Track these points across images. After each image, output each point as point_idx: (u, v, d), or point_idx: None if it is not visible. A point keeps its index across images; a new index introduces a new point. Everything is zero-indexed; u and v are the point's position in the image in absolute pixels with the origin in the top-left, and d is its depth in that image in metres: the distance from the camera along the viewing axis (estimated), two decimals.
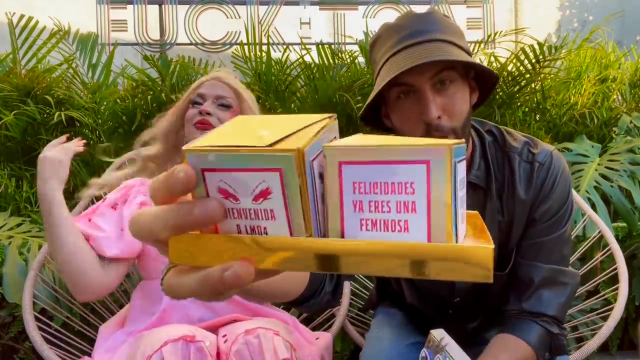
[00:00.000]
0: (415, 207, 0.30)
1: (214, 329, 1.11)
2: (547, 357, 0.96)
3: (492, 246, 0.29)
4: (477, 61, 2.46)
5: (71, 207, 1.89)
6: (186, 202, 0.31)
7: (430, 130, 0.88)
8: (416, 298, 1.16)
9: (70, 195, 2.12)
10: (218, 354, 1.04)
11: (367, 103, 0.94)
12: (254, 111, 1.33)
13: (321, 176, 0.31)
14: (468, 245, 0.29)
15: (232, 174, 0.30)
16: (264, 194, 0.30)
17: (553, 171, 0.97)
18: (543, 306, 0.98)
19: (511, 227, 1.00)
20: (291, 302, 0.67)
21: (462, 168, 0.31)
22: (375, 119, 1.01)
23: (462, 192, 0.31)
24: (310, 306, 0.72)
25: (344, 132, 2.27)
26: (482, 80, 0.96)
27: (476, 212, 0.36)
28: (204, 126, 1.25)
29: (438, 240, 0.29)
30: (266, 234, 0.31)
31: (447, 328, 1.14)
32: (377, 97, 0.93)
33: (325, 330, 1.47)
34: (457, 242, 0.30)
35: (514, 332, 0.97)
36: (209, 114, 1.25)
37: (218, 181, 0.31)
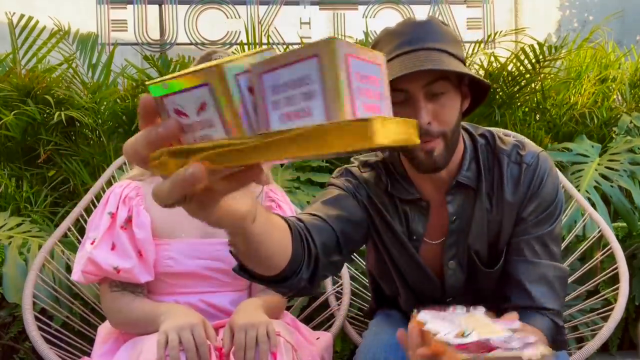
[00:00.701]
0: (315, 95, 0.36)
1: (214, 330, 1.11)
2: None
3: (375, 118, 0.34)
4: (478, 61, 2.47)
5: (72, 206, 1.90)
6: (154, 125, 0.41)
7: (420, 134, 0.90)
8: (411, 301, 1.16)
9: (71, 195, 2.13)
10: (219, 355, 1.04)
11: None
12: None
13: (251, 89, 0.39)
14: (350, 120, 0.34)
15: (178, 95, 0.39)
16: (203, 107, 0.39)
17: (539, 172, 1.01)
18: (542, 301, 0.99)
19: (500, 226, 1.03)
20: (272, 278, 0.73)
21: (359, 63, 0.37)
22: None
23: (363, 85, 0.37)
24: (287, 286, 0.76)
25: None
26: (475, 87, 1.00)
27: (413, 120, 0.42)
28: None
29: (333, 119, 0.35)
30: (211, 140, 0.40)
31: None
32: None
33: (325, 330, 1.47)
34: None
35: (528, 322, 0.95)
36: None
37: (172, 104, 0.40)
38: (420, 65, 0.87)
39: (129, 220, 1.18)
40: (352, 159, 1.15)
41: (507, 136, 1.08)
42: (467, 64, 2.46)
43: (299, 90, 0.37)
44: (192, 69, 0.39)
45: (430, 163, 0.95)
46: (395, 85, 0.91)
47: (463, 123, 1.05)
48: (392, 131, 0.36)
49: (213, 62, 0.37)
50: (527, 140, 1.07)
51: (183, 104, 0.40)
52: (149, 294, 1.21)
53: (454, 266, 1.07)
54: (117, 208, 1.19)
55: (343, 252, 0.94)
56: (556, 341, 0.95)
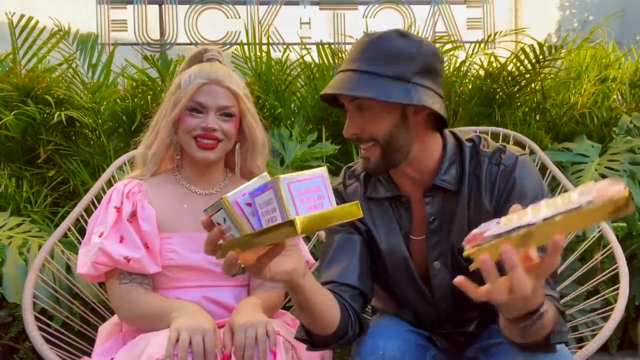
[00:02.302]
0: (276, 209, 0.66)
1: None
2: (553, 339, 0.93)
3: (299, 217, 0.64)
4: (478, 61, 2.46)
5: (72, 206, 1.90)
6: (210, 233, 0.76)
7: (355, 142, 1.06)
8: (409, 314, 1.17)
9: (71, 195, 2.13)
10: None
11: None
12: (250, 107, 1.26)
13: (249, 204, 0.70)
14: (292, 218, 0.64)
15: (213, 216, 0.74)
16: (225, 221, 0.72)
17: (516, 173, 1.03)
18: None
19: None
20: (330, 337, 0.97)
21: (297, 185, 0.66)
22: None
23: (303, 195, 0.67)
24: (346, 342, 1.02)
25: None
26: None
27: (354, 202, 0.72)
28: (210, 145, 1.20)
29: (286, 219, 0.65)
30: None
31: (447, 335, 1.16)
32: None
33: None
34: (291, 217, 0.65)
35: None
36: (214, 130, 1.20)
37: (215, 220, 0.74)
38: (336, 88, 1.00)
39: (133, 214, 1.20)
40: (342, 170, 1.20)
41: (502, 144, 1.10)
42: (467, 64, 2.47)
43: (270, 206, 0.67)
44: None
45: (369, 168, 1.05)
46: (338, 97, 1.04)
47: (453, 129, 1.12)
48: (316, 221, 0.66)
49: (222, 197, 0.71)
50: (511, 146, 1.09)
51: (216, 220, 0.74)
52: (156, 290, 1.22)
53: (439, 266, 1.08)
54: (122, 203, 1.20)
55: (370, 290, 1.10)
56: (560, 332, 0.93)
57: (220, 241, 0.75)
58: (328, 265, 1.08)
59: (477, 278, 1.04)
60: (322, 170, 0.69)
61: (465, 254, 0.70)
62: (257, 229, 0.69)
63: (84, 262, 1.18)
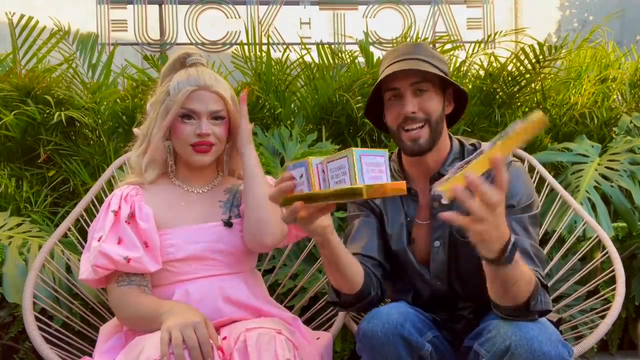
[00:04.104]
0: (346, 174, 0.82)
1: (216, 330, 1.11)
2: (533, 306, 1.02)
3: (364, 185, 0.81)
4: (478, 61, 2.47)
5: (72, 206, 1.91)
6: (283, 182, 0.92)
7: (406, 121, 1.20)
8: (408, 296, 1.28)
9: (71, 195, 2.13)
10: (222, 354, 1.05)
11: (367, 100, 1.28)
12: (234, 103, 1.29)
13: (323, 170, 0.87)
14: (358, 185, 0.81)
15: (293, 170, 0.90)
16: (301, 176, 0.88)
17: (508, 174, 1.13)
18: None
19: None
20: (356, 295, 1.13)
21: (367, 157, 0.83)
22: (375, 118, 1.33)
23: (370, 167, 0.83)
24: (369, 303, 1.17)
25: (344, 130, 2.25)
26: (457, 97, 1.28)
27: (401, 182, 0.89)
28: (205, 149, 1.23)
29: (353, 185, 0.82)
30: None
31: (448, 321, 1.26)
32: (380, 103, 1.27)
33: (325, 330, 1.47)
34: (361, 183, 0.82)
35: None
36: (208, 135, 1.23)
37: (293, 173, 0.90)
38: (408, 67, 1.17)
39: (132, 215, 1.22)
40: None
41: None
42: (467, 64, 2.48)
43: (340, 171, 0.83)
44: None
45: (419, 146, 1.20)
46: (389, 85, 1.22)
47: (457, 135, 1.31)
48: (377, 190, 0.82)
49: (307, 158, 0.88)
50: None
51: (294, 173, 0.89)
52: (158, 287, 1.23)
53: (438, 245, 1.23)
54: (120, 207, 1.22)
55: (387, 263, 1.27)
56: (540, 301, 1.03)
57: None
58: (351, 243, 1.26)
59: (471, 257, 1.10)
60: (385, 151, 0.86)
61: (439, 189, 0.83)
62: (323, 189, 0.86)
63: (86, 267, 1.19)
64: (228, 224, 1.27)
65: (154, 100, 1.29)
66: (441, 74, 1.20)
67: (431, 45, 1.27)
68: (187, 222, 1.25)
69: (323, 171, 0.86)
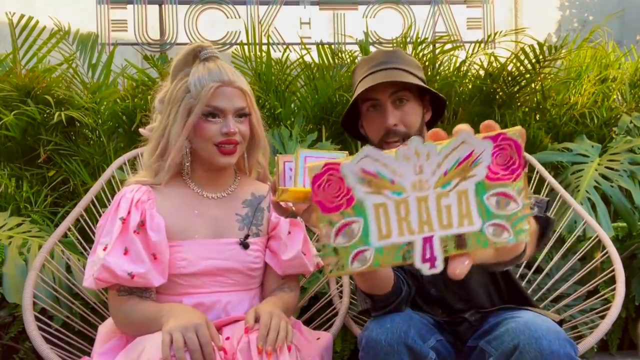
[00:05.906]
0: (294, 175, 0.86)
1: (217, 330, 1.11)
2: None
3: (286, 186, 0.86)
4: (478, 61, 2.47)
5: (72, 206, 1.90)
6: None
7: (388, 134, 1.19)
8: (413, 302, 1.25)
9: (71, 195, 2.13)
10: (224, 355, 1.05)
11: (344, 113, 1.28)
12: (252, 98, 1.23)
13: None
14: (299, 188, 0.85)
15: (286, 162, 0.87)
16: (289, 171, 0.87)
17: None
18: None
19: None
20: (389, 294, 1.10)
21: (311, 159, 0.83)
22: (353, 128, 1.33)
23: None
24: (402, 301, 1.13)
25: (343, 131, 2.23)
26: (435, 102, 1.28)
27: None
28: (231, 149, 1.18)
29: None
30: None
31: (450, 323, 1.26)
32: (355, 111, 1.26)
33: (325, 330, 1.47)
34: None
35: None
36: (235, 133, 1.17)
37: (287, 166, 0.87)
38: (387, 78, 1.15)
39: (142, 224, 1.16)
40: None
41: None
42: (467, 64, 2.48)
43: (292, 172, 0.84)
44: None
45: None
46: (368, 96, 1.20)
47: None
48: (293, 195, 0.85)
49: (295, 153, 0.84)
50: None
51: (288, 166, 0.86)
52: (163, 295, 1.20)
53: None
54: (129, 213, 1.16)
55: None
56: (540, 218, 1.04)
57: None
58: None
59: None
60: (342, 153, 0.83)
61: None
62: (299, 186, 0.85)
63: (88, 275, 1.16)
64: (244, 245, 1.22)
65: (167, 97, 1.20)
66: (420, 82, 1.20)
67: (406, 52, 1.28)
68: (201, 234, 1.20)
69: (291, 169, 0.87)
